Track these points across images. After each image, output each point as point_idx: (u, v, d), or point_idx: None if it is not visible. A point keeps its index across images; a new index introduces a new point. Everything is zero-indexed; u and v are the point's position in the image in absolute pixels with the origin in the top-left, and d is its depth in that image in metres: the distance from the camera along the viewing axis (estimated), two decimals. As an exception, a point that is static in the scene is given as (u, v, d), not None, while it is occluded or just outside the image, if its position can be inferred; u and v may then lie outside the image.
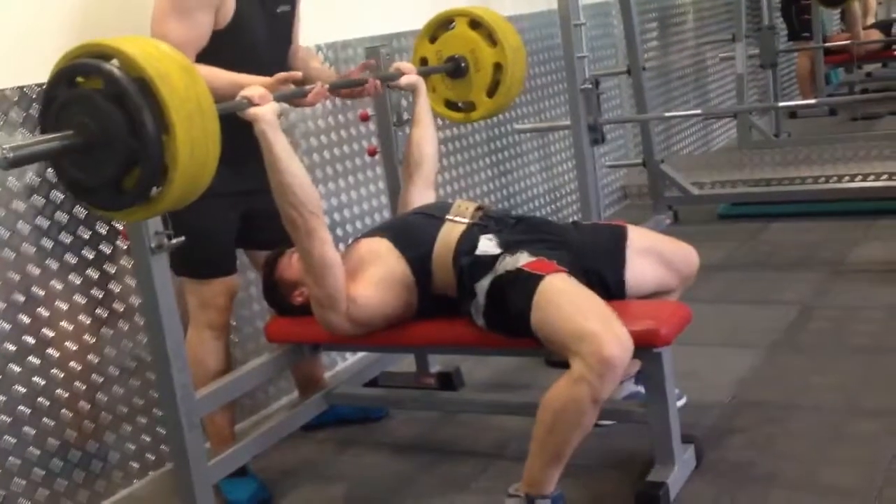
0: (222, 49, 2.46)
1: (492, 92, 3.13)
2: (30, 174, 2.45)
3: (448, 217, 2.51)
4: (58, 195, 2.51)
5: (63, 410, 2.52)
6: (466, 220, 2.49)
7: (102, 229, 2.62)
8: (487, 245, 2.39)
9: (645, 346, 2.28)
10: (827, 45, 7.49)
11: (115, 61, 1.78)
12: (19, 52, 2.46)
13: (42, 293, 2.48)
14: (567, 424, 2.12)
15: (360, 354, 3.38)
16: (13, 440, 2.40)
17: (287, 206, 2.31)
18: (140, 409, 2.74)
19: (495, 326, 2.35)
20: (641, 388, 2.65)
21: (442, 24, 3.17)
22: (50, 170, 2.49)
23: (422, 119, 2.88)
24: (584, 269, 2.41)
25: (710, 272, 4.04)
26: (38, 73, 2.46)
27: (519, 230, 2.48)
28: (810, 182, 4.91)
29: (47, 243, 2.49)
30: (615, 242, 2.52)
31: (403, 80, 2.87)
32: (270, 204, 2.37)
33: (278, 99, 2.32)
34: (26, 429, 2.43)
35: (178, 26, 2.37)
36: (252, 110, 2.23)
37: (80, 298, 2.58)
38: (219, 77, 2.37)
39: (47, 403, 2.48)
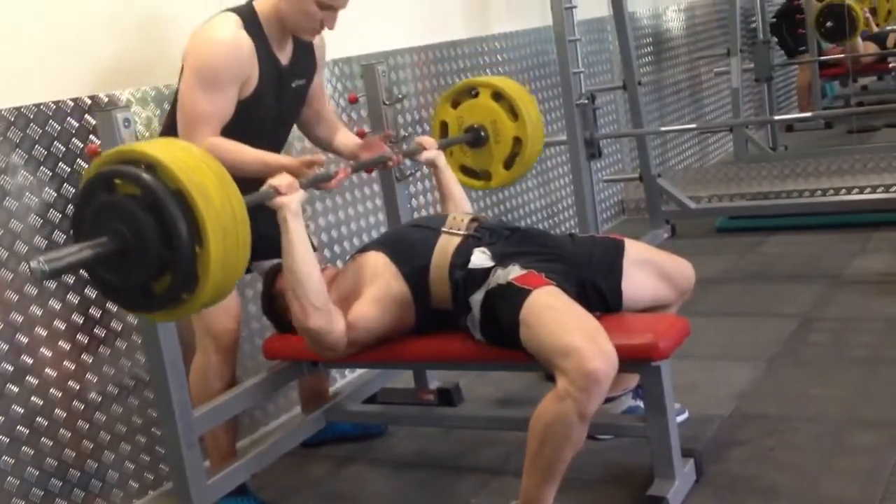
0: (233, 117, 2.48)
1: (509, 164, 3.16)
2: (27, 194, 2.46)
3: (444, 229, 2.51)
4: (56, 214, 2.52)
5: (62, 430, 2.52)
6: (462, 232, 2.49)
7: (100, 248, 2.62)
8: (480, 258, 2.39)
9: (643, 360, 2.28)
10: (822, 58, 7.53)
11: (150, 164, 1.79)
12: (15, 72, 2.46)
13: (39, 312, 2.48)
14: (556, 441, 2.12)
15: (360, 371, 3.37)
16: (11, 460, 2.39)
17: (292, 291, 2.36)
18: (139, 427, 2.73)
19: (492, 340, 2.35)
20: (640, 403, 2.64)
21: (465, 92, 3.21)
22: (47, 191, 2.50)
23: (453, 192, 2.89)
24: (579, 281, 2.41)
25: (708, 285, 4.06)
26: (36, 94, 2.49)
27: (513, 242, 2.48)
28: (807, 195, 4.93)
29: (45, 263, 2.49)
30: (612, 254, 2.52)
31: (424, 156, 2.89)
32: (270, 223, 2.38)
33: (304, 185, 2.35)
34: (25, 448, 2.43)
35: (206, 100, 2.40)
36: (279, 200, 2.28)
37: (77, 318, 2.57)
38: (245, 154, 2.42)
39: (45, 423, 2.48)
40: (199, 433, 2.41)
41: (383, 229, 3.56)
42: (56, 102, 2.54)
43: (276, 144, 2.71)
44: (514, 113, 3.13)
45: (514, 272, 2.30)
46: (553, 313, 2.20)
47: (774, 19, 7.63)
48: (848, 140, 6.70)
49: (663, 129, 5.81)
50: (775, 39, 7.29)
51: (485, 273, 2.35)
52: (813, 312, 3.65)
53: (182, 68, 2.47)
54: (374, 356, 2.55)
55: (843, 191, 4.84)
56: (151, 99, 2.81)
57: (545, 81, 4.99)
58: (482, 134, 3.14)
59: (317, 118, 2.85)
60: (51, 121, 2.52)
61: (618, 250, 2.53)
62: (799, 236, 4.74)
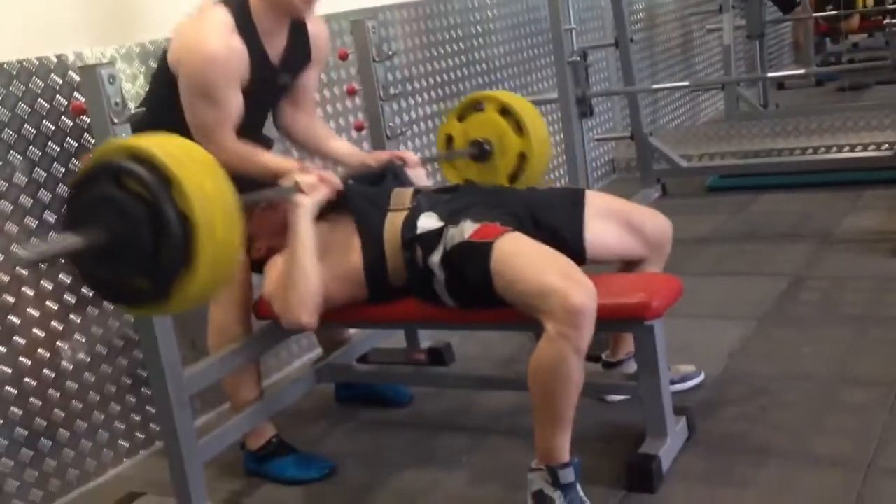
0: None
1: (513, 178, 3.10)
2: (11, 152, 2.42)
3: (389, 208, 2.46)
4: (41, 173, 2.48)
5: (50, 391, 2.51)
6: (406, 206, 2.44)
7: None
8: (427, 221, 2.35)
9: (636, 319, 2.27)
10: (816, 14, 7.48)
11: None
12: (-2, 27, 2.42)
13: (26, 273, 2.45)
14: (559, 384, 2.09)
15: (352, 331, 3.35)
16: (0, 421, 2.38)
17: (289, 281, 2.33)
18: (128, 388, 2.72)
19: (463, 302, 2.31)
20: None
21: (471, 106, 3.16)
22: (31, 149, 2.47)
23: None
24: (537, 223, 2.39)
25: (699, 244, 4.05)
26: (19, 49, 2.44)
27: (457, 199, 2.44)
28: (798, 153, 4.91)
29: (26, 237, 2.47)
30: (571, 202, 2.49)
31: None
32: None
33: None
34: (13, 409, 2.42)
35: (208, 110, 2.35)
36: (300, 197, 2.32)
37: (64, 277, 2.55)
38: (253, 161, 2.42)
39: (34, 384, 2.46)
40: (189, 393, 2.39)
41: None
42: (39, 58, 2.49)
43: (253, 133, 2.67)
44: (520, 128, 3.09)
45: (468, 229, 2.26)
46: (523, 259, 2.17)
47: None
48: (839, 98, 6.69)
49: (655, 87, 5.76)
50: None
51: (437, 234, 2.31)
52: (804, 271, 3.65)
53: (164, 53, 2.41)
54: (365, 315, 2.53)
55: (835, 149, 4.82)
56: (136, 55, 2.76)
57: (536, 38, 4.93)
58: (486, 148, 3.10)
59: (306, 114, 2.77)
60: (34, 77, 2.47)
61: (578, 198, 2.50)
62: (790, 195, 4.72)
